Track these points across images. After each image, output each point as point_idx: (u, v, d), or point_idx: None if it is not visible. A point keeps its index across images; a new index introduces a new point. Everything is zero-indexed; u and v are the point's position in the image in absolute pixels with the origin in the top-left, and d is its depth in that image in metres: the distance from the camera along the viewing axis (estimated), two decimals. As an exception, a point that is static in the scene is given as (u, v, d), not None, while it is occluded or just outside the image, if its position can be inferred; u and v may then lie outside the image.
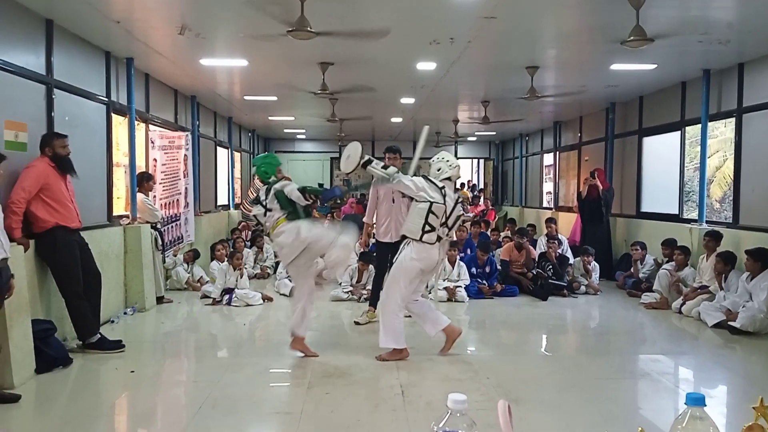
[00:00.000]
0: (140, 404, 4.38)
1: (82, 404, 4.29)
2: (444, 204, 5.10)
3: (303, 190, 5.15)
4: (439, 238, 5.13)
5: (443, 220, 5.12)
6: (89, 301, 5.34)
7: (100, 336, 5.35)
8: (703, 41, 6.31)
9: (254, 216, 5.71)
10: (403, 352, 5.20)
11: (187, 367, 5.46)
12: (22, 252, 4.68)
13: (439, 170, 5.29)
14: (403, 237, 5.30)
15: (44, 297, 5.21)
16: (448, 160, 5.35)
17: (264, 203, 5.29)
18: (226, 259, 8.23)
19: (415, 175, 5.36)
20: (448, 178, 5.28)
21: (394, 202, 6.61)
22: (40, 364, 4.65)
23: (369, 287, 8.00)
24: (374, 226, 6.88)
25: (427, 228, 5.06)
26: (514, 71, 7.90)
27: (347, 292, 7.98)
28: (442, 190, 5.13)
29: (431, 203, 5.06)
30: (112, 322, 6.40)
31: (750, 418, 1.31)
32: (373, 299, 6.70)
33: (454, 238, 5.33)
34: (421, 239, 5.09)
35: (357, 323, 6.44)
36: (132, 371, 4.88)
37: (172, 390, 4.77)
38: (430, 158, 5.64)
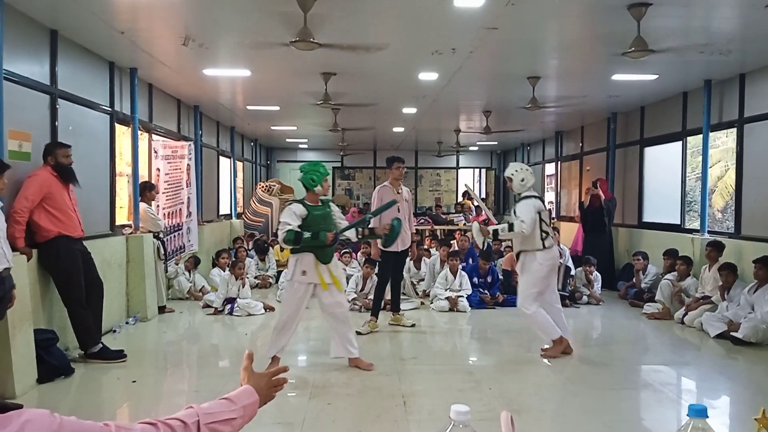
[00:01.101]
0: (142, 414, 4.36)
1: (84, 414, 4.24)
2: (545, 206, 5.62)
3: (292, 241, 4.93)
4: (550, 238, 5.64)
5: (548, 220, 5.63)
6: (91, 311, 5.35)
7: (101, 345, 5.35)
8: (704, 52, 6.34)
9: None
10: (564, 341, 5.57)
11: (189, 376, 5.45)
12: (24, 261, 4.70)
13: (522, 180, 5.67)
14: (517, 255, 5.73)
15: (46, 306, 5.22)
16: (527, 169, 5.78)
17: None
18: (227, 268, 8.24)
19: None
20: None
21: (399, 211, 6.57)
22: (42, 373, 4.65)
23: (370, 296, 7.99)
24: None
25: (543, 234, 5.52)
26: (516, 81, 7.92)
27: (352, 300, 7.95)
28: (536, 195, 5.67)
29: (540, 213, 5.52)
30: (114, 331, 6.40)
31: (752, 429, 1.31)
32: (375, 309, 6.69)
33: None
34: (544, 247, 5.52)
35: (359, 333, 6.41)
36: (134, 381, 4.88)
37: (174, 400, 4.75)
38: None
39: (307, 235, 4.93)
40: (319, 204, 5.16)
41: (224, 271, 8.43)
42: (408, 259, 8.96)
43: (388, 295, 7.05)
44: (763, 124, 7.08)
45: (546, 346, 5.71)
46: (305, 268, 5.00)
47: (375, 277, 8.27)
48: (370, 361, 5.34)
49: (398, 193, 6.75)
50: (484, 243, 6.00)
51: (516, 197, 5.87)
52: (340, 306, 5.22)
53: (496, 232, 5.65)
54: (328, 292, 5.08)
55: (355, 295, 8.02)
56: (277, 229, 5.19)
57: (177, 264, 8.60)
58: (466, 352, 5.87)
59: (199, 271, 8.92)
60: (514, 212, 5.66)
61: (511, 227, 5.49)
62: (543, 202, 5.70)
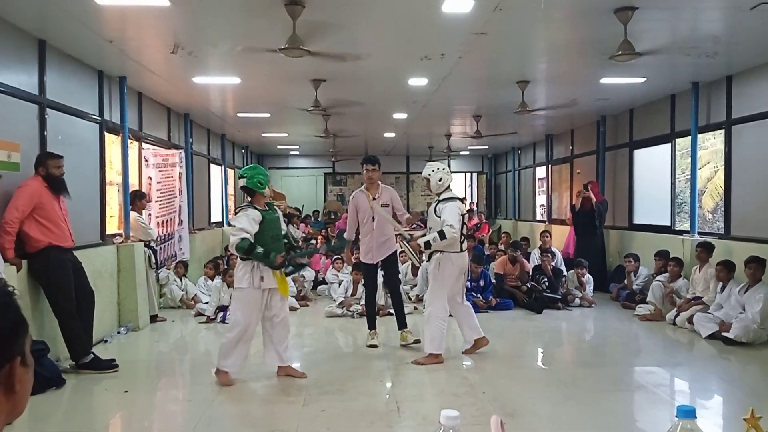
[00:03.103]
0: (135, 424, 4.35)
1: (76, 425, 4.25)
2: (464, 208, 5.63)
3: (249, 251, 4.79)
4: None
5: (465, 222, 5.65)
6: (82, 321, 5.31)
7: (93, 356, 5.32)
8: (691, 54, 6.39)
9: None
10: (439, 357, 5.49)
11: (182, 385, 5.43)
12: (14, 272, 4.67)
13: (440, 181, 5.60)
14: (430, 255, 5.59)
15: (37, 317, 5.18)
16: (444, 169, 5.68)
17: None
18: (218, 276, 8.20)
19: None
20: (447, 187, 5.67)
21: (374, 220, 6.07)
22: (33, 385, 4.59)
23: (362, 302, 7.98)
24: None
25: (462, 237, 5.51)
26: (505, 86, 7.96)
27: (339, 304, 7.94)
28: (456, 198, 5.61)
29: (463, 215, 5.50)
30: (106, 341, 6.36)
31: (742, 429, 1.32)
32: (370, 321, 6.30)
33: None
34: (461, 250, 5.52)
35: (374, 346, 6.11)
36: (126, 391, 4.84)
37: (167, 409, 4.73)
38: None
39: (260, 250, 4.79)
40: (267, 208, 5.06)
41: (211, 281, 8.39)
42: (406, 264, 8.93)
43: (380, 301, 6.98)
44: (751, 126, 7.14)
45: (424, 357, 5.54)
46: (263, 273, 4.89)
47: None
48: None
49: (374, 199, 6.08)
50: (420, 260, 5.80)
51: (435, 197, 5.68)
52: (284, 311, 5.13)
53: (428, 243, 5.40)
54: (279, 297, 5.05)
55: (343, 299, 8.00)
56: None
57: (169, 269, 8.54)
58: (459, 357, 5.86)
59: (190, 278, 8.87)
60: (435, 213, 5.50)
61: (442, 235, 5.30)
62: (462, 203, 5.70)
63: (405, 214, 6.37)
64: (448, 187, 5.65)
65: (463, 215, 5.53)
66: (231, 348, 4.92)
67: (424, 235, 5.56)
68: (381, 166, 6.21)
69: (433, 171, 5.60)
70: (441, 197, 5.57)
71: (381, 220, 6.05)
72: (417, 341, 6.06)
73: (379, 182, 6.25)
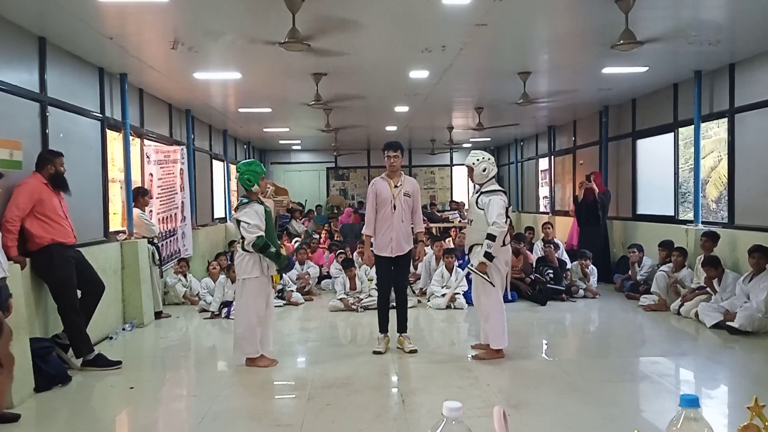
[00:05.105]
0: (141, 420, 4.36)
1: (82, 421, 4.26)
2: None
3: (263, 247, 5.16)
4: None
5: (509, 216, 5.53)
6: (84, 313, 5.32)
7: (97, 353, 5.33)
8: (693, 43, 6.35)
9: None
10: (500, 352, 5.40)
11: (187, 381, 5.44)
12: (19, 270, 4.68)
13: (484, 171, 5.41)
14: (471, 247, 5.47)
15: (42, 315, 5.20)
16: (489, 159, 5.49)
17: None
18: (223, 272, 8.21)
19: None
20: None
21: (395, 209, 5.64)
22: (39, 382, 4.63)
23: (362, 296, 7.98)
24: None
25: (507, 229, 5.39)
26: (507, 77, 7.93)
27: (340, 299, 7.95)
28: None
29: (507, 207, 5.36)
30: (111, 338, 6.38)
31: (746, 417, 1.31)
32: (382, 324, 5.79)
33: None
34: (504, 243, 5.34)
35: (378, 353, 5.63)
36: (131, 387, 4.87)
37: (173, 405, 4.75)
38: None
39: (272, 249, 5.18)
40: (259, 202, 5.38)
41: (213, 282, 8.34)
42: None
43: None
44: (754, 114, 7.10)
45: (481, 352, 5.49)
46: (267, 261, 5.26)
47: (363, 275, 8.28)
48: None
49: (395, 187, 5.68)
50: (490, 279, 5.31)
51: (476, 187, 5.50)
52: (273, 300, 5.66)
53: (488, 254, 5.18)
54: (271, 285, 5.48)
55: (344, 296, 8.01)
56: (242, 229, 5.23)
57: (176, 273, 8.49)
58: (464, 349, 5.87)
59: (193, 274, 8.87)
60: (477, 205, 5.33)
61: (492, 237, 5.15)
62: (507, 195, 5.47)
63: (419, 216, 5.94)
64: (492, 178, 5.43)
65: (507, 208, 5.33)
66: (251, 334, 5.23)
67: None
68: (404, 153, 5.91)
69: (477, 160, 5.36)
70: (484, 189, 5.40)
71: (403, 210, 5.67)
72: (413, 351, 5.65)
73: (401, 171, 5.89)
